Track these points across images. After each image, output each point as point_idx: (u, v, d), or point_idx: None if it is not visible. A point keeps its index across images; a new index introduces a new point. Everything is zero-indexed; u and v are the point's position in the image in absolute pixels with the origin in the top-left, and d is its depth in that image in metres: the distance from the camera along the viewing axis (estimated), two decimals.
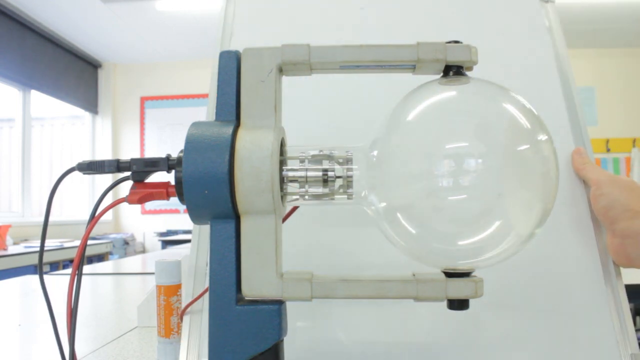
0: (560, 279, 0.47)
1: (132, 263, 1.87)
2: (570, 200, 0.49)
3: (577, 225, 0.48)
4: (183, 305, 0.52)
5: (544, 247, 0.47)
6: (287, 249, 0.38)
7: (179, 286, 0.57)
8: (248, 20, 0.60)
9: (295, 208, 0.39)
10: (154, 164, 0.34)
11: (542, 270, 0.47)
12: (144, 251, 4.26)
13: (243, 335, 0.31)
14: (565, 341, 0.45)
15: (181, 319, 0.49)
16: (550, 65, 0.56)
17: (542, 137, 0.33)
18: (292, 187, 0.34)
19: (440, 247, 0.34)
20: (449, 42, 0.34)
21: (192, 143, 0.31)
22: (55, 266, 2.72)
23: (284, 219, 0.39)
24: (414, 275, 0.33)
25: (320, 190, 0.33)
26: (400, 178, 0.33)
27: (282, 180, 0.33)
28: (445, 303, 0.33)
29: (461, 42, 0.34)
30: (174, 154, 0.34)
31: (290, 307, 0.35)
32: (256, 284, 0.32)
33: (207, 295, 0.47)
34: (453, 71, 0.34)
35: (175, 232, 4.10)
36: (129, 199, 0.34)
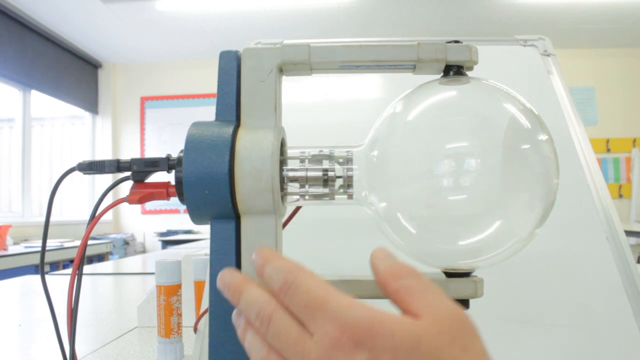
0: (578, 290, 0.46)
1: (132, 263, 1.87)
2: (577, 204, 0.49)
3: (589, 233, 0.48)
4: (183, 306, 0.52)
5: (558, 257, 0.47)
6: (287, 250, 0.38)
7: (179, 286, 0.57)
8: None
9: (298, 208, 0.39)
10: (154, 164, 0.34)
11: (558, 281, 0.46)
12: (144, 251, 4.26)
13: None
14: (591, 355, 0.44)
15: (195, 330, 0.49)
16: (551, 103, 0.57)
17: (543, 137, 0.33)
18: (292, 187, 0.34)
19: (440, 247, 0.34)
20: (449, 42, 0.34)
21: (192, 143, 0.31)
22: (55, 266, 2.72)
23: (288, 220, 0.38)
24: None
25: (320, 190, 0.33)
26: (401, 178, 0.33)
27: (282, 180, 0.33)
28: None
29: (461, 42, 0.34)
30: (174, 154, 0.34)
31: None
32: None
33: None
34: (453, 71, 0.34)
35: (176, 232, 4.09)
36: (129, 199, 0.34)
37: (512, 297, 0.46)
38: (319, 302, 0.24)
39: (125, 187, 0.35)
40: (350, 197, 0.34)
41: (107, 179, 3.51)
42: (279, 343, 0.25)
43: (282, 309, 0.26)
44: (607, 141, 4.20)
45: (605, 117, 4.21)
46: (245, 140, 0.31)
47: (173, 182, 0.33)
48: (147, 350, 0.64)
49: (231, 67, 0.34)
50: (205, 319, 0.46)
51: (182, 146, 0.32)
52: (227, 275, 0.28)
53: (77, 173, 0.35)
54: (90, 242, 2.92)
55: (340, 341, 0.23)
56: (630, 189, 4.17)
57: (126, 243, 3.99)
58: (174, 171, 0.33)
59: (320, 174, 0.33)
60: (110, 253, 3.47)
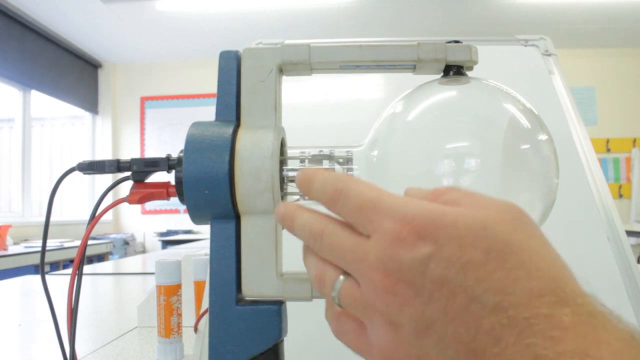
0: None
1: (132, 263, 1.87)
2: (578, 204, 0.49)
3: (590, 232, 0.48)
4: (183, 306, 0.52)
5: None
6: (287, 251, 0.38)
7: (179, 286, 0.57)
8: None
9: None
10: (154, 164, 0.34)
11: None
12: (144, 251, 4.26)
13: (243, 335, 0.31)
14: None
15: (195, 330, 0.49)
16: (552, 103, 0.57)
17: (542, 137, 0.33)
18: (292, 187, 0.34)
19: None
20: (449, 42, 0.34)
21: (192, 143, 0.31)
22: (55, 266, 2.72)
23: None
24: None
25: None
26: (401, 178, 0.33)
27: (282, 180, 0.33)
28: None
29: (461, 42, 0.34)
30: (174, 154, 0.34)
31: (290, 307, 0.35)
32: (256, 284, 0.32)
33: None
34: (453, 71, 0.34)
35: (176, 232, 4.10)
36: (129, 199, 0.34)
37: None
38: (374, 202, 0.23)
39: (125, 187, 0.35)
40: None
41: (107, 179, 3.52)
42: (334, 255, 0.24)
43: (334, 222, 0.25)
44: (607, 141, 4.20)
45: (605, 117, 4.21)
46: (245, 140, 0.31)
47: (173, 182, 0.33)
48: (147, 350, 0.64)
49: (231, 67, 0.34)
50: (205, 319, 0.47)
51: (182, 146, 0.32)
52: (281, 208, 0.28)
53: (77, 173, 0.35)
54: (90, 242, 2.93)
55: (400, 235, 0.21)
56: (630, 189, 4.17)
57: (126, 243, 3.99)
58: (174, 171, 0.33)
59: None
60: (110, 253, 3.48)
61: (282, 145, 0.35)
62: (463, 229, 0.21)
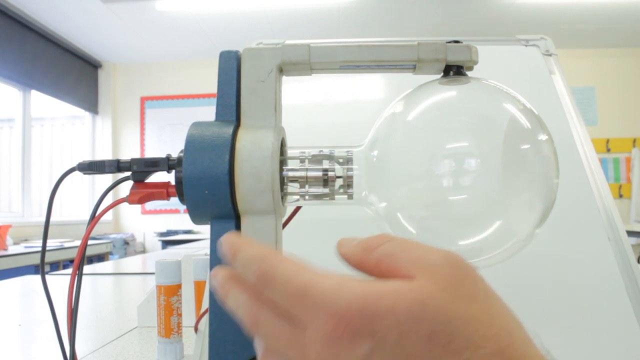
0: (580, 290, 0.46)
1: (132, 263, 1.88)
2: (579, 204, 0.49)
3: (590, 233, 0.48)
4: (183, 306, 0.51)
5: (559, 258, 0.47)
6: (287, 251, 0.38)
7: (179, 286, 0.57)
8: None
9: (298, 208, 0.39)
10: (154, 164, 0.34)
11: (559, 281, 0.46)
12: (144, 251, 4.26)
13: (243, 335, 0.31)
14: (591, 355, 0.43)
15: (195, 330, 0.49)
16: (553, 103, 0.57)
17: (542, 137, 0.33)
18: (292, 187, 0.34)
19: (441, 247, 0.34)
20: (449, 42, 0.34)
21: (192, 143, 0.31)
22: (55, 266, 2.72)
23: (288, 220, 0.38)
24: None
25: (320, 190, 0.33)
26: (401, 178, 0.33)
27: (283, 181, 0.33)
28: None
29: (461, 42, 0.34)
30: (174, 154, 0.34)
31: None
32: None
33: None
34: (453, 71, 0.34)
35: (176, 232, 4.09)
36: (129, 199, 0.34)
37: (512, 298, 0.46)
38: (302, 291, 0.21)
39: (125, 187, 0.35)
40: (350, 197, 0.34)
41: (107, 179, 3.51)
42: (273, 345, 0.23)
43: (267, 308, 0.23)
44: (607, 141, 4.20)
45: (605, 117, 4.21)
46: (245, 140, 0.31)
47: (173, 182, 0.33)
48: (147, 350, 0.64)
49: (231, 67, 0.34)
50: (205, 319, 0.46)
51: (182, 146, 0.32)
52: (215, 279, 0.25)
53: (77, 173, 0.35)
54: (90, 242, 2.92)
55: (335, 334, 0.20)
56: (630, 189, 4.17)
57: (126, 243, 3.99)
58: (174, 171, 0.33)
59: (320, 174, 0.33)
60: (110, 253, 3.47)
61: (282, 145, 0.35)
62: (402, 313, 0.20)
